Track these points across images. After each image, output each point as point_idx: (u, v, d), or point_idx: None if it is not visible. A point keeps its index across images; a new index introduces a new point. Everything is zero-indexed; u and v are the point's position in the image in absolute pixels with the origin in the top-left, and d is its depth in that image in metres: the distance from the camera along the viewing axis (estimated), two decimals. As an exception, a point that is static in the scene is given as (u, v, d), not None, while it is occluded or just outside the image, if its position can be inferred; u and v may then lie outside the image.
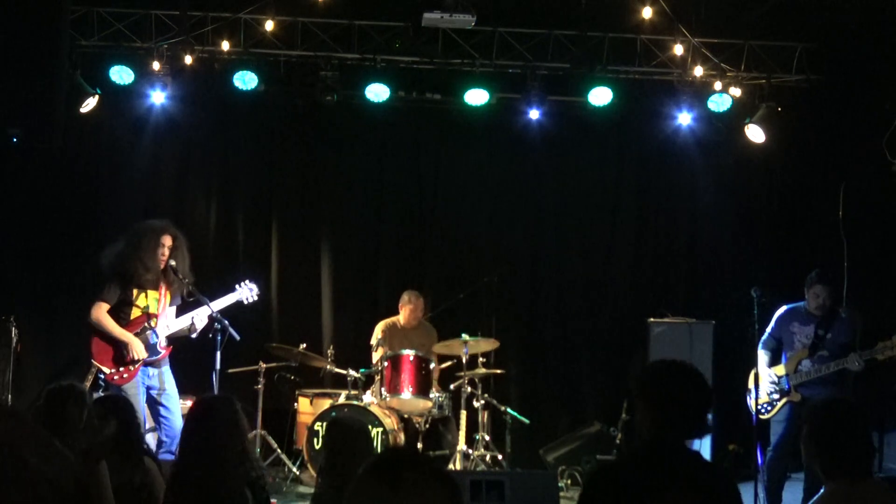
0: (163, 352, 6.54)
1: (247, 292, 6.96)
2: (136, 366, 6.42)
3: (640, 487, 2.85)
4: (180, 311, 6.75)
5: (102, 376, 6.42)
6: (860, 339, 6.45)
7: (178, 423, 6.45)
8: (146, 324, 6.49)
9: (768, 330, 6.76)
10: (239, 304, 6.93)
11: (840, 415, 3.28)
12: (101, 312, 6.44)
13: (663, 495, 2.81)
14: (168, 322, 6.62)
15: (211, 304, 6.63)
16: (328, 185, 9.16)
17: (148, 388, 6.48)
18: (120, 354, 6.43)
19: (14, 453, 1.43)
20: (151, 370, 6.50)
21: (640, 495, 2.83)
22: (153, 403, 6.51)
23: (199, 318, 6.58)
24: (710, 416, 3.10)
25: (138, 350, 6.42)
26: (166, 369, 6.60)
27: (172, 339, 6.66)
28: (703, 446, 7.83)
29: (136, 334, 6.49)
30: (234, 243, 9.05)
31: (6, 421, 1.50)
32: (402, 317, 8.26)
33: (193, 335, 6.65)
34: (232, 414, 4.07)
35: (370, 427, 7.14)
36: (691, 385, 3.03)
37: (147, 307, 6.53)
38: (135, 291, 6.50)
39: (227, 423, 4.03)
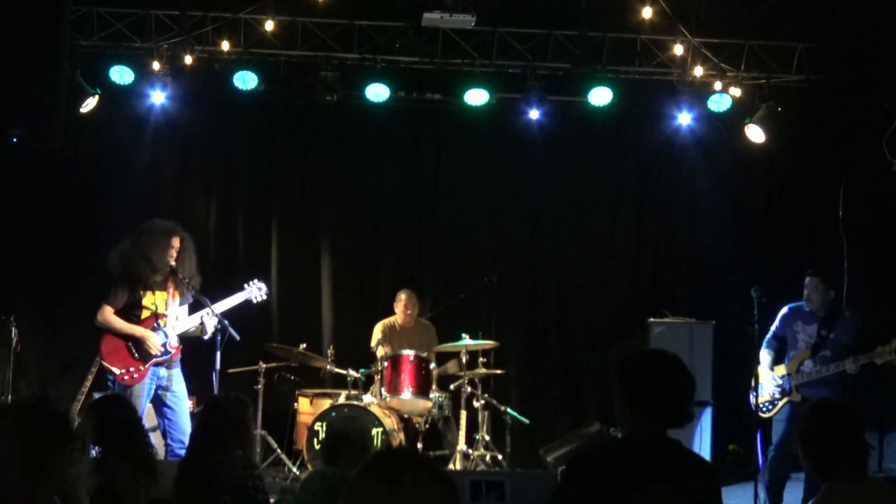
0: (173, 351, 6.49)
1: (256, 292, 6.95)
2: (147, 366, 6.35)
3: (618, 479, 2.82)
4: (191, 311, 6.69)
5: (111, 377, 6.39)
6: (859, 340, 6.44)
7: (183, 426, 6.40)
8: (155, 323, 6.46)
9: (772, 329, 6.75)
10: (241, 303, 6.92)
11: (826, 417, 3.27)
12: (107, 314, 6.38)
13: (642, 487, 2.77)
14: (177, 322, 6.56)
15: (219, 304, 6.61)
16: (328, 185, 9.16)
17: (157, 389, 6.43)
18: (130, 354, 6.37)
19: None
20: (162, 371, 6.44)
21: (619, 487, 2.80)
22: (160, 405, 6.46)
23: (209, 318, 6.52)
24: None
25: (153, 343, 6.35)
26: (177, 371, 6.53)
27: (183, 340, 6.61)
28: (704, 446, 7.83)
29: None
30: (234, 243, 9.05)
31: None
32: (398, 316, 8.27)
33: (205, 337, 6.58)
34: (242, 414, 4.06)
35: (370, 427, 7.15)
36: (669, 374, 2.95)
37: (155, 307, 6.51)
38: (142, 292, 6.46)
39: (234, 424, 4.02)
